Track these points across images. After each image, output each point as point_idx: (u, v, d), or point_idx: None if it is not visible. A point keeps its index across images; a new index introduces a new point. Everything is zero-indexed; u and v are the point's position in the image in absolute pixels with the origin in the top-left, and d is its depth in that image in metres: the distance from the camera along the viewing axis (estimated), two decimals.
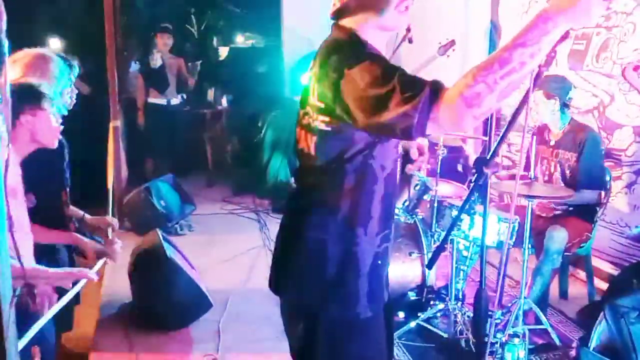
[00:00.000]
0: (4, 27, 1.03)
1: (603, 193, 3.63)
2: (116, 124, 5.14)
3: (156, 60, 6.23)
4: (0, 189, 1.07)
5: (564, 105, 3.51)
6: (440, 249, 1.86)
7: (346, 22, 1.67)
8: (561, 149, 3.57)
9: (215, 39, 10.02)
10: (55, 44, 7.08)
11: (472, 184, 1.75)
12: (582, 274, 3.98)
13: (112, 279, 4.07)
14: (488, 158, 1.71)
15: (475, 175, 1.72)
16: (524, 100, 1.57)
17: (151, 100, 6.41)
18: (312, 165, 1.69)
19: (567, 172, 3.54)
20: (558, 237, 3.37)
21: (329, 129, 1.59)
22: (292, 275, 1.75)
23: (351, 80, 1.45)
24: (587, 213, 3.56)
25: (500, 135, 1.65)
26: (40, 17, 6.96)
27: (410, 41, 3.22)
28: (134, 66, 7.25)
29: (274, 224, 5.32)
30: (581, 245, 3.53)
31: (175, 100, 6.53)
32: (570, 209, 3.57)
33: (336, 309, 1.68)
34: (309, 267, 1.71)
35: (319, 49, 1.70)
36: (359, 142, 1.60)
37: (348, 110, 1.48)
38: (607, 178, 3.65)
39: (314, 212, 1.69)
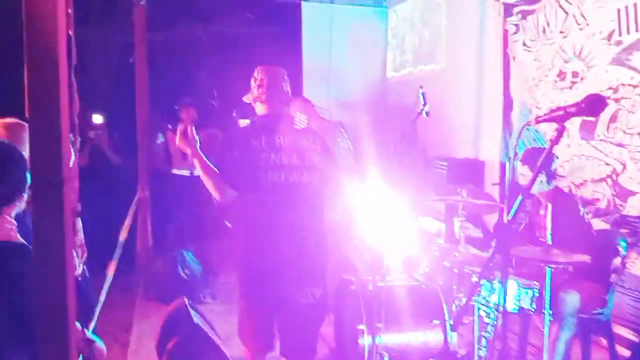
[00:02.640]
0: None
1: (619, 259, 3.70)
2: (145, 194, 5.33)
3: None
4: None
5: (549, 176, 3.65)
6: (464, 309, 1.96)
7: None
8: (548, 214, 3.67)
9: (235, 112, 10.36)
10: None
11: (493, 249, 1.86)
12: (604, 341, 3.98)
13: (138, 346, 4.15)
14: (507, 223, 1.84)
15: (496, 240, 1.84)
16: (536, 173, 1.72)
17: (175, 171, 6.62)
18: None
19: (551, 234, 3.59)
20: (570, 300, 3.42)
21: None
22: None
23: None
24: (597, 275, 3.59)
25: (518, 203, 1.78)
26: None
27: (427, 114, 3.42)
28: (160, 138, 7.54)
29: None
30: (597, 308, 3.56)
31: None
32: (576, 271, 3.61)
33: None
34: None
35: None
36: None
37: None
38: (623, 244, 3.73)
39: None
